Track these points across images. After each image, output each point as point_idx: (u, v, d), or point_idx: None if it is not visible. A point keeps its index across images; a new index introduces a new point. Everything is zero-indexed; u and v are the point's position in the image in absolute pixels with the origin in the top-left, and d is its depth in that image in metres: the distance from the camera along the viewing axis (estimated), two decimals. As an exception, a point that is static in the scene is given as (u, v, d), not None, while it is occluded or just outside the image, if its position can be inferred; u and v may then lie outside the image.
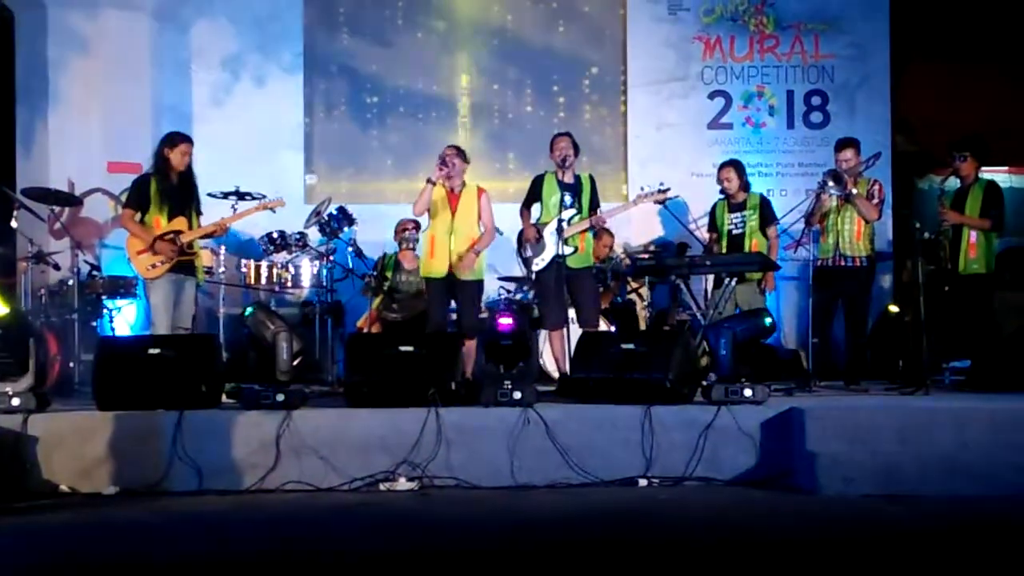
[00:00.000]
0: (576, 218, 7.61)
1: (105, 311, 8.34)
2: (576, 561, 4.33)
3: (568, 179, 7.67)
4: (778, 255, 8.27)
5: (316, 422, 5.99)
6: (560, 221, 7.47)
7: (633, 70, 10.36)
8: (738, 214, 8.15)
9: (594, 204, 7.72)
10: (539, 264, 7.66)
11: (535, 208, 7.74)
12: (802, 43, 10.27)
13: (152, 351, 6.29)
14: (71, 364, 8.00)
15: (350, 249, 8.83)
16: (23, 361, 6.06)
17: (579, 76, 10.46)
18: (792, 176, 10.17)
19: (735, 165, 8.26)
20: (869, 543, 4.57)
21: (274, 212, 7.97)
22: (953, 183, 7.76)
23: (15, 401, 5.92)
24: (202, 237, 7.48)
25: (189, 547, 4.69)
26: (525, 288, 8.97)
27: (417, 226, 8.47)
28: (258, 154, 10.05)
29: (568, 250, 7.54)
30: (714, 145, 10.17)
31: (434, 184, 7.41)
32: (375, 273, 8.77)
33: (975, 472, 5.52)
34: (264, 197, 8.23)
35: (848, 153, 7.75)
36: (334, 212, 8.64)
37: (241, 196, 8.39)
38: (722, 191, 8.27)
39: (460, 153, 7.60)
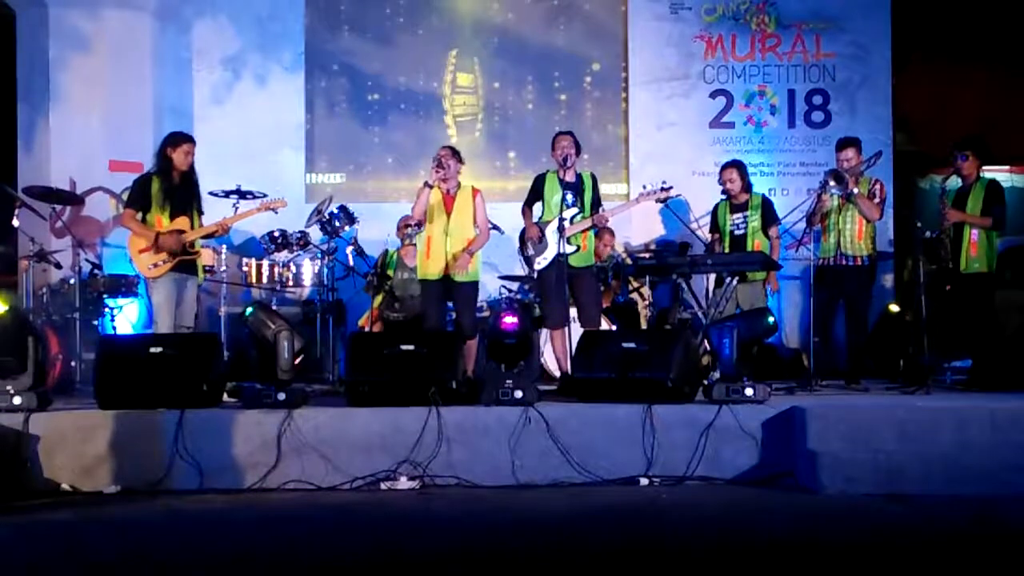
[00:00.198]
0: (578, 217, 7.61)
1: (106, 310, 8.34)
2: (577, 560, 4.33)
3: (570, 178, 7.66)
4: (780, 255, 8.26)
5: (317, 421, 6.00)
6: (561, 220, 7.47)
7: (634, 69, 10.35)
8: (740, 215, 8.14)
9: (596, 203, 7.72)
10: (541, 263, 7.65)
11: (537, 207, 7.73)
12: (803, 42, 10.26)
13: (153, 350, 6.30)
14: (72, 363, 8.00)
15: (351, 248, 8.83)
16: (22, 360, 6.06)
17: (580, 74, 10.46)
18: (793, 175, 10.16)
19: (738, 166, 8.26)
20: (870, 542, 4.57)
21: (276, 213, 7.97)
22: (955, 182, 7.75)
23: (16, 400, 5.93)
24: (204, 237, 7.48)
25: (190, 546, 4.69)
26: (526, 287, 8.96)
27: (420, 222, 8.46)
28: (259, 153, 10.06)
29: (570, 249, 7.54)
30: (715, 144, 10.17)
31: (432, 187, 7.41)
32: (376, 271, 8.76)
33: (976, 471, 5.52)
34: (265, 196, 8.24)
35: (849, 152, 7.75)
36: (335, 211, 8.63)
37: (242, 195, 8.39)
38: (724, 192, 8.26)
39: (455, 154, 7.60)
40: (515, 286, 9.17)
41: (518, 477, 5.88)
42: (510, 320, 6.44)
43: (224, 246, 8.56)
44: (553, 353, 7.85)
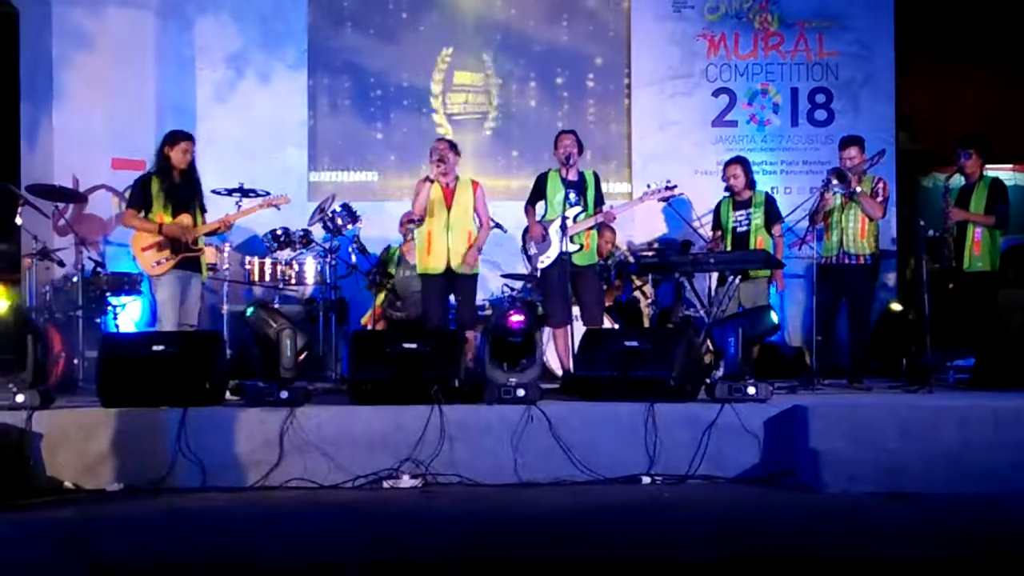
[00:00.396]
0: (581, 215, 7.61)
1: (109, 308, 8.35)
2: (579, 559, 4.33)
3: (572, 176, 7.67)
4: (783, 253, 8.25)
5: (320, 419, 6.00)
6: (564, 219, 7.47)
7: (637, 67, 10.35)
8: (743, 212, 8.13)
9: (599, 201, 7.73)
10: (544, 261, 7.66)
11: (539, 206, 7.74)
12: (806, 40, 10.25)
13: (156, 348, 6.29)
14: (75, 361, 8.01)
15: (354, 246, 8.84)
16: (22, 357, 6.06)
17: (583, 73, 10.45)
18: (796, 174, 10.15)
19: (741, 162, 8.24)
20: (873, 541, 4.56)
21: (279, 209, 7.98)
22: (958, 181, 7.74)
23: (19, 398, 5.93)
24: (207, 234, 7.49)
25: (192, 544, 4.69)
26: (528, 286, 8.96)
27: (421, 218, 8.45)
28: (262, 151, 10.07)
29: (574, 247, 7.54)
30: (718, 143, 10.16)
31: (433, 182, 7.42)
32: (378, 269, 8.77)
33: (979, 470, 5.52)
34: (268, 194, 8.25)
35: (852, 151, 7.74)
36: (338, 209, 8.64)
37: (245, 193, 8.40)
38: (727, 188, 8.25)
39: (452, 146, 7.62)
40: (518, 284, 9.17)
41: (520, 475, 5.87)
42: (517, 319, 6.44)
43: (227, 244, 8.56)
44: (555, 351, 7.85)
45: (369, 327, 8.62)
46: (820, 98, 10.24)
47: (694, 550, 4.49)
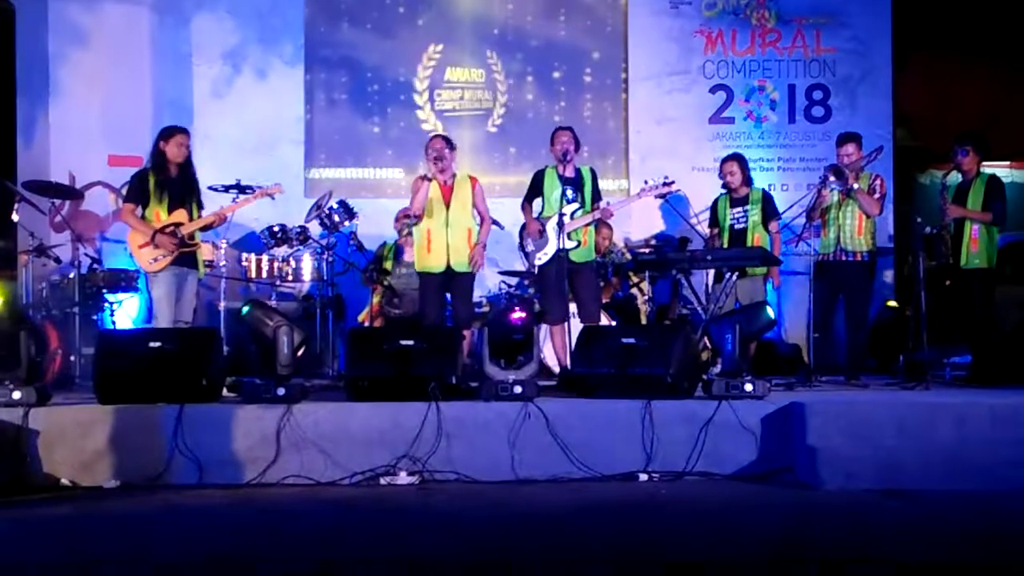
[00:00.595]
0: (578, 212, 7.61)
1: (106, 304, 8.34)
2: (576, 556, 4.33)
3: (569, 173, 7.66)
4: (781, 250, 8.25)
5: (316, 416, 5.99)
6: (561, 215, 7.46)
7: (634, 64, 10.34)
8: (740, 208, 8.13)
9: (596, 197, 7.73)
10: (542, 258, 7.66)
11: (536, 202, 7.73)
12: (803, 37, 10.26)
13: (152, 345, 6.28)
14: (72, 357, 8.00)
15: (351, 243, 8.83)
16: (15, 354, 6.05)
17: (580, 69, 10.44)
18: (793, 171, 10.15)
19: (738, 159, 8.24)
20: (870, 538, 4.57)
21: (273, 199, 7.95)
22: (955, 178, 7.74)
23: (16, 395, 5.92)
24: (203, 228, 7.47)
25: (189, 541, 4.69)
26: (526, 282, 8.96)
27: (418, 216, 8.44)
28: (259, 147, 10.06)
29: (571, 244, 7.54)
30: (715, 139, 10.16)
31: (431, 180, 7.41)
32: (374, 266, 8.76)
33: (976, 467, 5.52)
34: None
35: (850, 148, 7.74)
36: (335, 206, 8.63)
37: (242, 189, 8.38)
38: (724, 185, 8.25)
39: (448, 143, 7.61)
40: (515, 281, 9.17)
41: (517, 472, 5.87)
42: (519, 315, 6.44)
43: (224, 240, 8.55)
44: (553, 348, 7.85)
45: (366, 324, 8.61)
46: (817, 95, 10.25)
47: (691, 547, 4.49)
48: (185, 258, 7.28)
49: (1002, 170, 9.92)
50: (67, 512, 5.30)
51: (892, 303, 9.61)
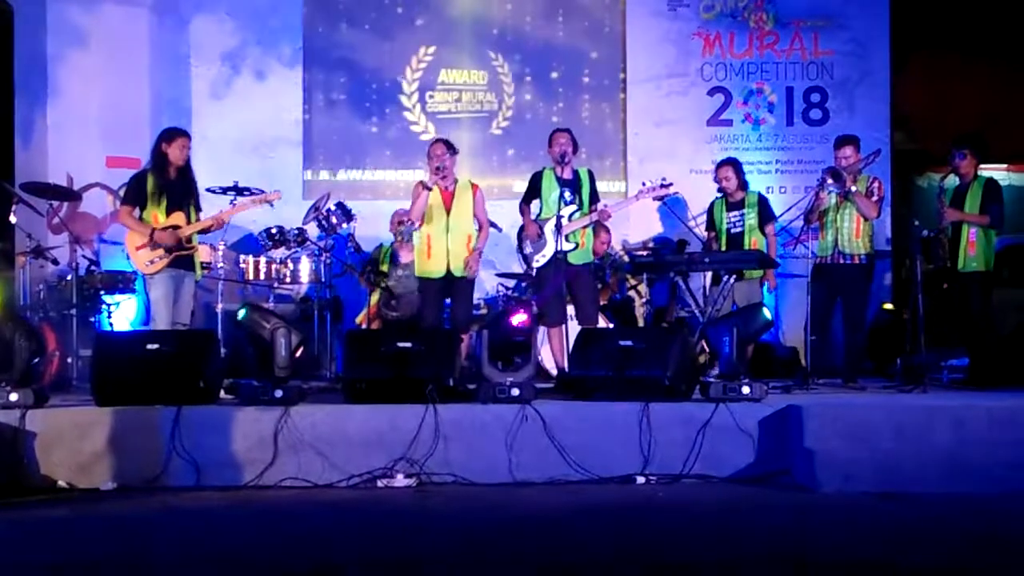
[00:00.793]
0: (576, 214, 7.61)
1: (103, 306, 8.33)
2: (573, 559, 4.33)
3: (567, 175, 7.65)
4: (777, 253, 8.26)
5: (314, 418, 5.99)
6: (559, 217, 7.46)
7: (633, 66, 10.35)
8: (736, 212, 8.14)
9: (594, 199, 7.72)
10: (540, 260, 7.65)
11: (534, 205, 7.73)
12: (801, 40, 10.26)
13: (150, 346, 6.28)
14: (69, 359, 7.98)
15: (349, 245, 8.83)
16: (10, 355, 6.04)
17: (578, 71, 10.44)
18: (791, 173, 10.16)
19: (733, 164, 8.26)
20: (867, 540, 4.57)
21: (272, 206, 7.96)
22: (952, 181, 7.75)
23: (13, 396, 5.92)
24: (200, 232, 7.47)
25: (186, 543, 4.69)
26: (523, 285, 8.95)
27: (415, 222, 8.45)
28: (257, 149, 10.07)
29: (569, 246, 7.53)
30: (713, 142, 10.17)
31: (430, 189, 7.41)
32: (371, 268, 8.76)
33: (973, 469, 5.53)
34: (263, 192, 8.24)
35: (848, 150, 7.74)
36: (333, 208, 8.63)
37: (240, 191, 8.37)
38: (720, 189, 8.27)
39: (449, 148, 7.59)
40: (512, 284, 9.17)
41: (515, 475, 5.87)
42: (522, 318, 6.44)
43: (222, 242, 8.54)
44: (550, 351, 7.85)
45: (364, 326, 8.61)
46: (815, 97, 10.26)
47: (688, 550, 4.49)
48: (182, 260, 7.27)
49: (1000, 173, 9.94)
50: (64, 514, 5.30)
51: (888, 305, 9.62)
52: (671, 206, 8.86)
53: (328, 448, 5.90)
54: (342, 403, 6.30)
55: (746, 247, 7.99)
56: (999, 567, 4.20)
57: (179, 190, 7.31)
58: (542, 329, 7.89)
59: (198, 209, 7.45)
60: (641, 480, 5.85)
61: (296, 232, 8.61)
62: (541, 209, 7.69)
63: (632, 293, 9.25)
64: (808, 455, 5.66)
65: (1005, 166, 10.80)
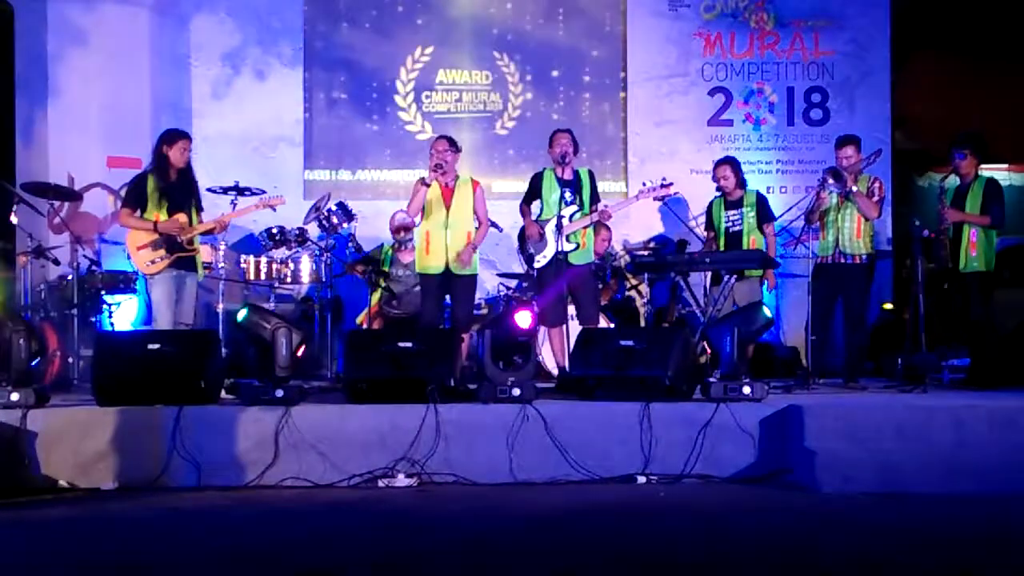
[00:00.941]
0: (577, 214, 7.61)
1: (104, 306, 8.33)
2: (575, 558, 4.33)
3: (567, 175, 7.65)
4: (776, 252, 8.27)
5: (315, 418, 6.00)
6: (560, 217, 7.46)
7: (633, 66, 10.35)
8: (735, 211, 8.15)
9: (594, 199, 7.72)
10: (541, 261, 7.65)
11: (535, 205, 7.73)
12: (802, 40, 10.27)
13: (151, 347, 6.28)
14: (70, 359, 7.99)
15: (350, 245, 8.83)
16: (10, 356, 6.05)
17: (579, 71, 10.44)
18: (792, 173, 10.16)
19: (731, 163, 8.26)
20: (868, 541, 4.57)
21: (274, 210, 7.97)
22: (953, 181, 7.75)
23: (14, 396, 5.92)
24: (203, 234, 7.48)
25: (187, 543, 4.69)
26: (524, 285, 8.95)
27: (413, 225, 8.43)
28: (258, 149, 10.07)
29: (570, 246, 7.53)
30: (714, 142, 10.16)
31: (428, 185, 7.40)
32: (372, 267, 8.76)
33: (974, 470, 5.53)
34: (263, 193, 8.24)
35: (849, 150, 7.74)
36: (334, 208, 8.63)
37: (240, 192, 8.38)
38: (718, 189, 8.27)
39: (452, 145, 7.59)
40: (514, 284, 9.17)
41: (516, 475, 5.88)
42: (527, 318, 6.44)
43: (223, 242, 8.54)
44: (551, 351, 7.85)
45: (365, 326, 8.61)
46: (816, 97, 10.26)
47: (689, 550, 4.49)
48: (184, 261, 7.27)
49: (1000, 173, 9.93)
50: (65, 514, 5.30)
51: (888, 305, 9.62)
52: (671, 206, 8.87)
53: (329, 448, 5.90)
54: (343, 403, 6.30)
55: (745, 246, 7.99)
56: (1000, 568, 4.20)
57: (180, 192, 7.31)
58: (543, 329, 7.90)
59: (200, 210, 7.46)
60: (642, 480, 5.85)
61: (297, 232, 8.62)
62: (542, 210, 7.68)
63: (633, 293, 9.25)
64: (809, 455, 5.66)
65: (1006, 166, 10.79)
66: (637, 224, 9.88)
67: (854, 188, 7.60)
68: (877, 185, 7.78)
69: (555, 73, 10.41)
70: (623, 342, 6.42)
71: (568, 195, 7.59)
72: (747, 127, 10.25)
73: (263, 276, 8.58)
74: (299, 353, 6.66)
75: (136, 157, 8.94)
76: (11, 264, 8.81)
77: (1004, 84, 10.68)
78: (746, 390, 6.12)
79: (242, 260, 8.66)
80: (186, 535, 4.87)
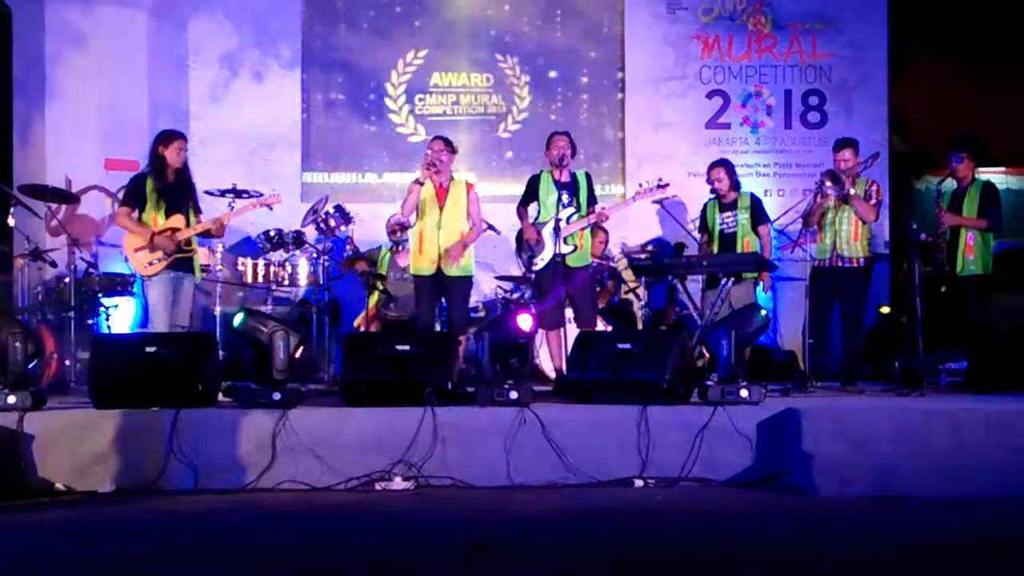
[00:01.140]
0: (575, 216, 7.61)
1: (102, 308, 8.32)
2: (572, 562, 4.33)
3: (564, 178, 7.65)
4: (771, 254, 8.27)
5: (312, 421, 5.99)
6: (558, 220, 7.46)
7: (631, 69, 10.36)
8: (729, 213, 8.16)
9: (591, 201, 7.72)
10: (539, 264, 7.65)
11: (532, 208, 7.73)
12: (800, 43, 10.27)
13: (148, 349, 6.28)
14: (67, 362, 7.98)
15: (348, 247, 8.82)
16: (7, 358, 6.04)
17: (577, 74, 10.45)
18: (789, 176, 10.17)
19: (724, 165, 8.28)
20: (865, 544, 4.57)
21: (271, 209, 7.96)
22: (950, 184, 7.76)
23: (11, 399, 5.91)
24: (200, 235, 7.48)
25: (184, 546, 4.69)
26: (522, 287, 8.95)
27: (407, 224, 8.43)
28: (255, 151, 10.06)
29: (568, 249, 7.53)
30: (712, 145, 10.16)
31: (422, 184, 7.40)
32: (370, 269, 8.76)
33: (971, 473, 5.53)
34: (261, 195, 8.24)
35: (847, 153, 7.75)
36: (331, 210, 8.63)
37: (238, 194, 8.37)
38: (712, 191, 8.28)
39: (447, 145, 7.58)
40: (511, 286, 9.17)
41: (513, 478, 5.87)
42: (529, 322, 6.44)
43: (220, 245, 8.55)
44: (549, 354, 7.85)
45: (362, 328, 8.61)
46: (813, 100, 10.27)
47: (686, 553, 4.49)
48: (181, 263, 7.27)
49: (997, 176, 9.94)
50: (62, 517, 5.29)
51: (885, 309, 9.62)
52: (669, 209, 8.87)
53: (326, 451, 5.89)
54: (340, 406, 6.30)
55: (739, 248, 8.00)
56: (997, 571, 4.20)
57: (178, 192, 7.31)
58: (540, 332, 7.89)
59: (197, 211, 7.45)
60: (639, 483, 5.84)
61: (294, 234, 8.62)
62: (539, 212, 7.69)
63: (630, 296, 9.25)
64: (806, 458, 5.66)
65: (1003, 169, 10.81)
66: (635, 227, 9.88)
67: (852, 191, 7.61)
68: (875, 188, 7.78)
69: (552, 74, 10.42)
70: (620, 345, 6.42)
71: (565, 197, 7.59)
72: (745, 130, 10.26)
73: (260, 279, 8.58)
74: (297, 355, 6.65)
75: (134, 159, 8.93)
76: (8, 266, 8.80)
77: (1001, 87, 10.71)
78: (743, 393, 6.11)
79: (239, 263, 8.66)
80: (183, 538, 4.87)
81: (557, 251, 7.45)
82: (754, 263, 7.75)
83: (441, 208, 7.48)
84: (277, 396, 6.01)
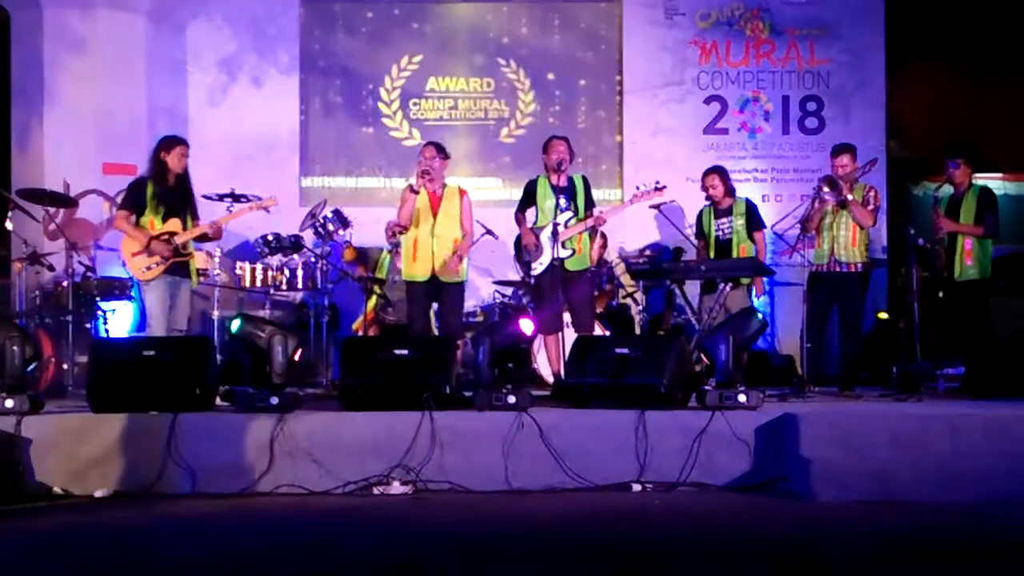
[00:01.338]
0: (572, 220, 7.61)
1: (99, 313, 8.32)
2: (570, 566, 4.33)
3: (561, 182, 7.65)
4: (767, 260, 8.28)
5: (310, 425, 5.98)
6: (556, 225, 7.46)
7: (629, 74, 10.38)
8: (724, 219, 8.17)
9: (589, 205, 7.73)
10: (538, 268, 7.65)
11: (530, 213, 7.74)
12: (797, 49, 10.30)
13: (146, 353, 6.27)
14: (65, 366, 7.98)
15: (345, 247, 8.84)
16: (5, 362, 6.03)
17: (575, 79, 10.46)
18: (787, 182, 10.18)
19: (719, 171, 8.30)
20: (863, 549, 4.57)
21: (268, 212, 7.96)
22: (947, 190, 7.77)
23: (8, 403, 5.90)
24: (197, 239, 7.48)
25: (182, 550, 4.67)
26: (520, 292, 8.96)
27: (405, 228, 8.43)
28: (254, 156, 10.06)
29: (566, 253, 7.53)
30: (709, 150, 10.18)
31: (417, 192, 7.41)
32: (368, 275, 8.77)
33: (969, 478, 5.52)
34: (259, 199, 8.23)
35: (845, 159, 7.76)
36: (329, 215, 8.63)
37: (236, 198, 8.37)
38: (707, 197, 8.29)
39: (440, 152, 7.59)
40: (510, 291, 9.17)
41: (511, 482, 5.86)
42: (530, 326, 6.43)
43: (218, 249, 8.55)
44: (547, 358, 7.84)
45: (361, 332, 8.61)
46: (811, 106, 10.29)
47: (684, 558, 4.49)
48: (178, 267, 7.27)
49: (995, 182, 9.95)
50: (59, 521, 5.28)
51: (883, 314, 9.63)
52: (667, 214, 8.87)
53: (324, 455, 5.88)
54: (339, 410, 6.29)
55: (735, 254, 8.02)
56: (995, 576, 4.21)
57: (177, 198, 7.32)
58: (538, 336, 7.89)
59: (195, 217, 7.45)
60: (637, 488, 5.84)
61: (292, 239, 8.62)
62: (537, 217, 7.70)
63: (628, 300, 9.25)
64: (804, 463, 5.66)
65: (1000, 175, 10.82)
66: (633, 232, 9.89)
67: (850, 197, 7.62)
68: (872, 194, 7.80)
69: (551, 76, 10.43)
70: (618, 350, 6.42)
71: (563, 202, 7.59)
72: (742, 135, 10.28)
73: (259, 283, 8.59)
74: (296, 358, 6.65)
75: (132, 164, 8.94)
76: (6, 270, 8.80)
77: (998, 93, 10.73)
78: (741, 398, 6.11)
79: (238, 267, 8.67)
80: (181, 542, 4.85)
81: (555, 255, 7.46)
82: (752, 268, 7.76)
83: (435, 216, 7.49)
84: (275, 400, 6.01)
